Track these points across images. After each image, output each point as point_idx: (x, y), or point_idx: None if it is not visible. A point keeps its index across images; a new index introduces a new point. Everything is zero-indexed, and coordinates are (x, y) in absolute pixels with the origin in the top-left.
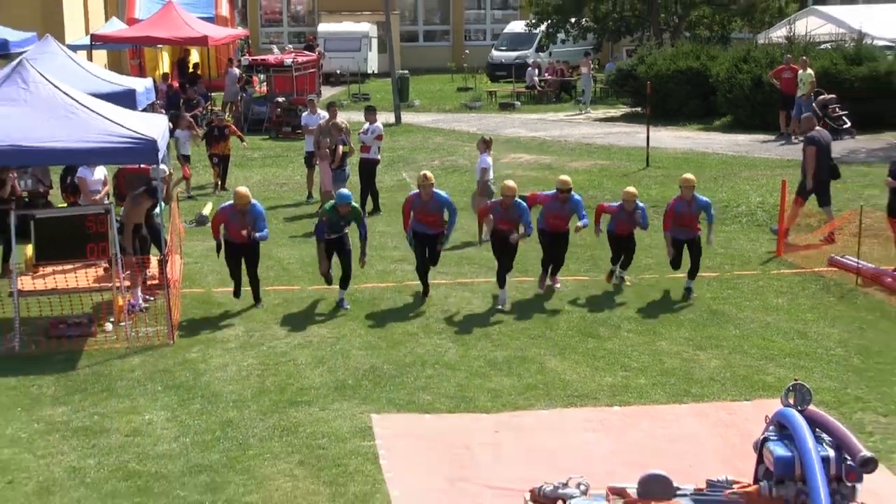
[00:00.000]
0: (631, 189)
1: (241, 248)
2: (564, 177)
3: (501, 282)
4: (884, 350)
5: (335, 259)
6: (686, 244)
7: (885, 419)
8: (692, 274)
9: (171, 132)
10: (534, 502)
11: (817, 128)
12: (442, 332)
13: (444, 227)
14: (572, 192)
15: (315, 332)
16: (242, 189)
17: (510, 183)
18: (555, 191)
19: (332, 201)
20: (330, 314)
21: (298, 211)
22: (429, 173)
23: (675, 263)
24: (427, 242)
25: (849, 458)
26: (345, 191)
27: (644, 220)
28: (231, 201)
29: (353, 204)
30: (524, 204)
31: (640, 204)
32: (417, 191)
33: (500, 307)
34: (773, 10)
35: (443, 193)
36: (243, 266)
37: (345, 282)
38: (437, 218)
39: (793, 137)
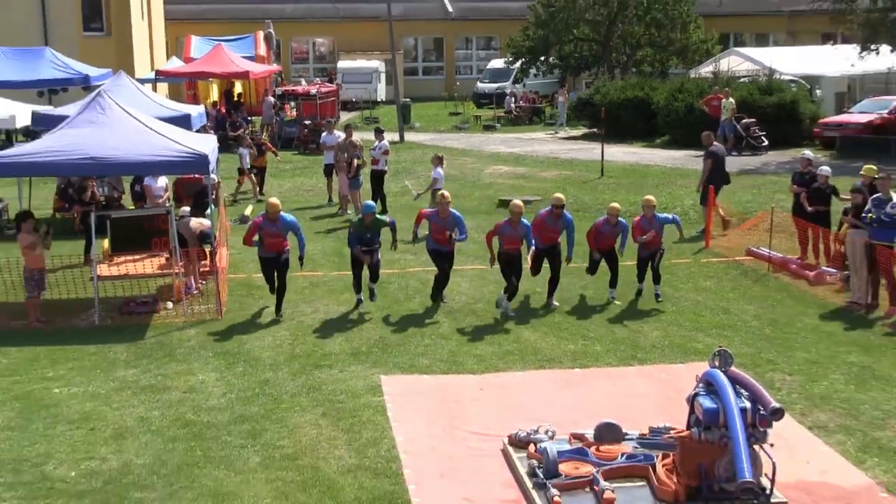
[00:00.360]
0: (615, 205)
1: (274, 259)
2: (559, 195)
3: (510, 296)
4: (789, 322)
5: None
6: (649, 255)
7: (791, 377)
8: (656, 279)
9: (236, 149)
10: (511, 445)
11: (715, 143)
12: (437, 309)
13: (453, 244)
14: (564, 210)
15: (335, 309)
16: (274, 199)
17: (518, 201)
18: (549, 207)
19: (360, 215)
20: (347, 295)
21: (321, 212)
22: (447, 193)
23: (640, 276)
24: (441, 260)
25: (762, 408)
26: (369, 202)
27: (624, 237)
28: (264, 212)
29: (378, 216)
30: (528, 223)
31: (623, 221)
32: (435, 209)
33: (502, 310)
34: (702, 50)
35: (457, 213)
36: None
37: (374, 277)
38: (449, 235)
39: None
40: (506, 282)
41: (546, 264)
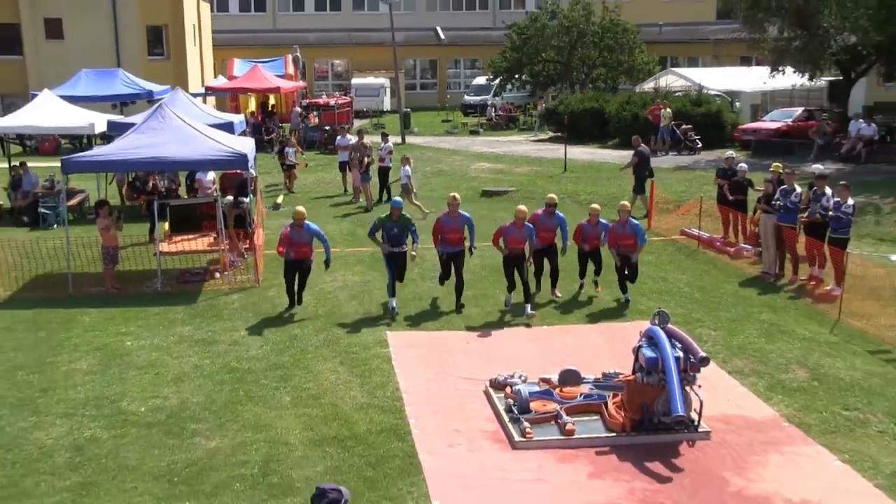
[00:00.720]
0: (594, 206)
1: (299, 264)
2: (552, 195)
3: (526, 296)
4: (714, 288)
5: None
6: (623, 257)
7: (715, 332)
8: (632, 279)
9: (282, 149)
10: (491, 387)
11: (642, 145)
12: (433, 279)
13: (463, 243)
14: (556, 210)
15: (350, 279)
16: (300, 207)
17: (522, 207)
18: (544, 206)
19: (388, 212)
20: (360, 268)
21: (338, 200)
22: (457, 195)
23: (620, 270)
24: (453, 259)
25: (692, 357)
26: (397, 198)
27: (607, 235)
28: (291, 221)
29: (404, 213)
30: (531, 226)
31: (604, 221)
32: (445, 212)
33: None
34: (645, 70)
35: (465, 213)
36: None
37: (400, 277)
38: (459, 235)
39: (658, 153)
40: (507, 281)
41: (546, 264)
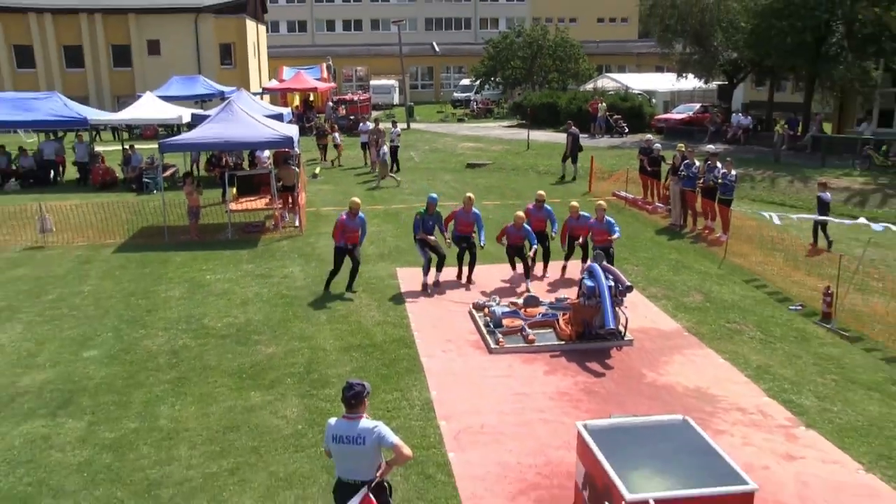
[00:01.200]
0: (574, 203)
1: (348, 249)
2: (540, 192)
3: (513, 268)
4: (636, 235)
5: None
6: (602, 250)
7: (636, 267)
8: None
9: (320, 132)
10: (474, 309)
11: (573, 127)
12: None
13: (472, 232)
14: (545, 204)
15: (369, 229)
16: (356, 198)
17: (520, 213)
18: (534, 202)
19: (424, 206)
20: (377, 220)
21: (361, 171)
22: (471, 194)
23: (597, 258)
24: (463, 242)
25: (620, 286)
26: (434, 194)
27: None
28: (346, 210)
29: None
30: (529, 228)
31: (585, 214)
32: (461, 207)
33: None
34: (587, 75)
35: (476, 211)
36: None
37: (440, 265)
38: (470, 228)
39: (595, 136)
40: (510, 262)
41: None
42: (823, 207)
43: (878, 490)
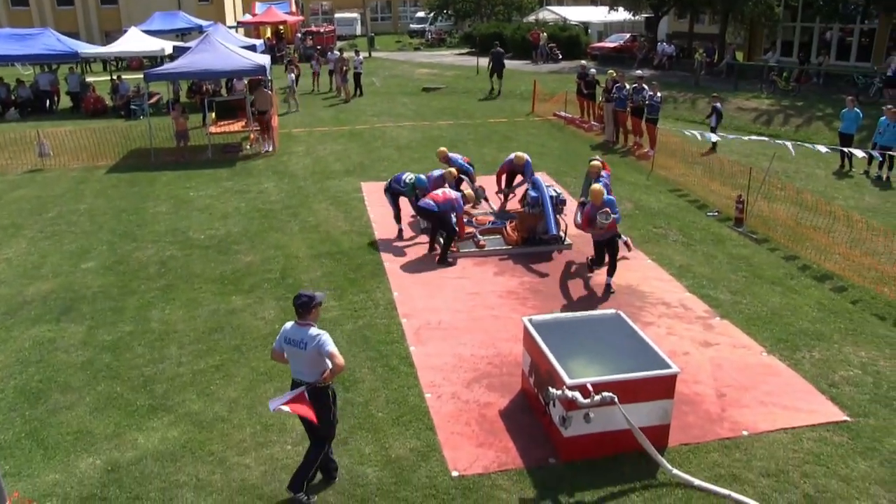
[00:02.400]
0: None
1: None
2: (521, 153)
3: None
4: (574, 151)
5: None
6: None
7: (574, 179)
8: (610, 271)
9: (289, 71)
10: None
11: (497, 49)
12: (390, 146)
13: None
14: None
15: (335, 147)
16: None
17: (597, 186)
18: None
19: (414, 183)
20: (343, 139)
21: (328, 96)
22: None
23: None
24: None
25: (560, 195)
26: (422, 177)
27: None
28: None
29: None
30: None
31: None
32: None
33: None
34: (529, 8)
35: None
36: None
37: (446, 246)
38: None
39: (537, 62)
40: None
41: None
42: (718, 115)
43: (778, 369)
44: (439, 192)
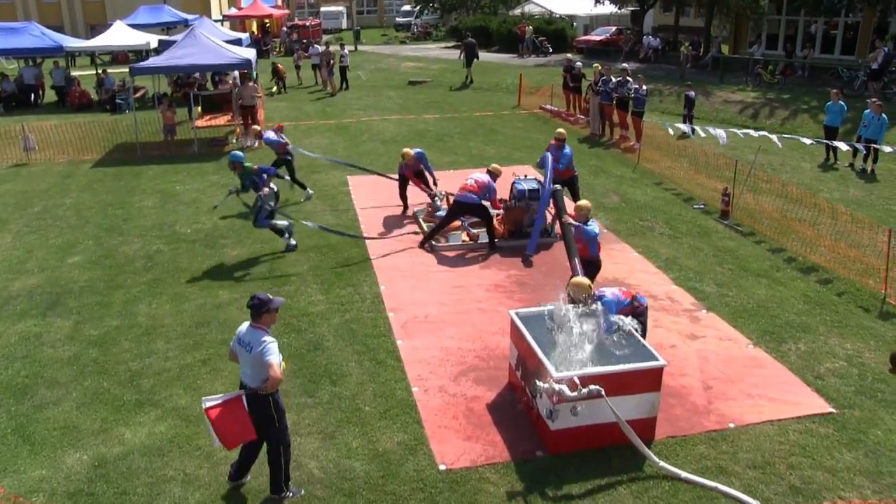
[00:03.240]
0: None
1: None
2: (495, 166)
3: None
4: None
5: None
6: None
7: None
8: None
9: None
10: (418, 211)
11: (468, 39)
12: (376, 140)
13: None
14: (565, 143)
15: (322, 141)
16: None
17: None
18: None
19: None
20: (329, 133)
21: (314, 90)
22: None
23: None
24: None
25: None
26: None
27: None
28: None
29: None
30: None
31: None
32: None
33: None
34: (514, 1)
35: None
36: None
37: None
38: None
39: (523, 55)
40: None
41: None
42: (690, 104)
43: (763, 361)
44: (471, 181)
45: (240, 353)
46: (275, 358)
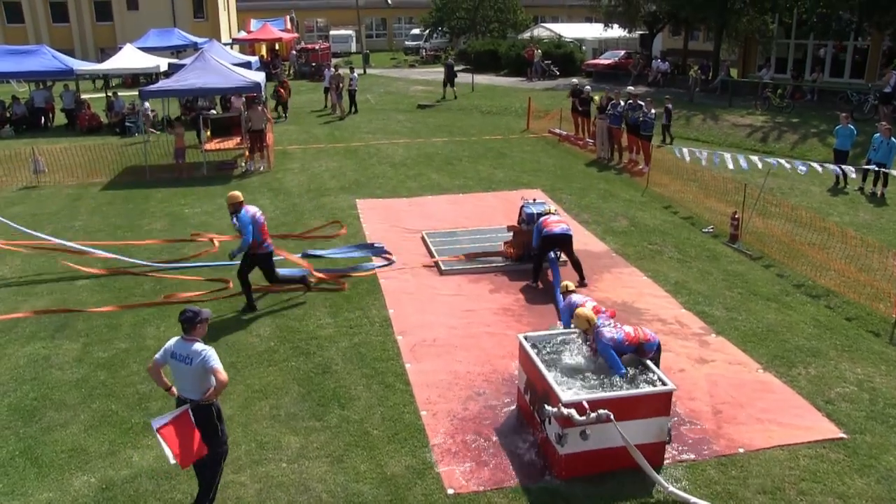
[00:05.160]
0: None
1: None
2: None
3: None
4: (569, 168)
5: None
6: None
7: (570, 196)
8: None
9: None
10: (426, 236)
11: (449, 60)
12: (385, 163)
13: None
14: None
15: (331, 164)
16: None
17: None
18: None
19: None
20: (338, 157)
21: (323, 113)
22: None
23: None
24: None
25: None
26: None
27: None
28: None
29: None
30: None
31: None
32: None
33: None
34: (524, 25)
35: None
36: None
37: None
38: None
39: (532, 79)
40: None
41: None
42: (668, 114)
43: (773, 386)
44: (553, 218)
45: (177, 368)
46: (218, 363)
